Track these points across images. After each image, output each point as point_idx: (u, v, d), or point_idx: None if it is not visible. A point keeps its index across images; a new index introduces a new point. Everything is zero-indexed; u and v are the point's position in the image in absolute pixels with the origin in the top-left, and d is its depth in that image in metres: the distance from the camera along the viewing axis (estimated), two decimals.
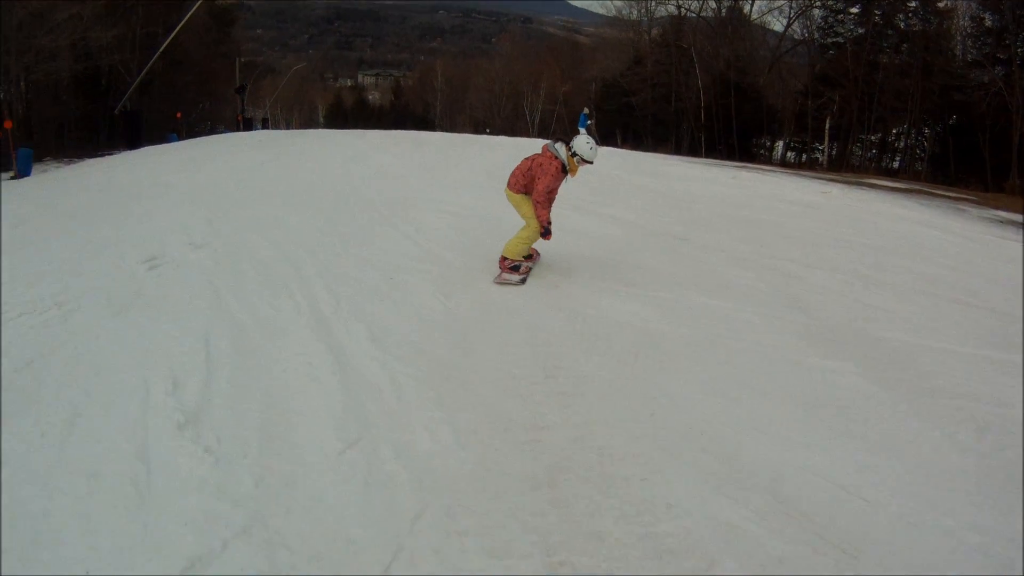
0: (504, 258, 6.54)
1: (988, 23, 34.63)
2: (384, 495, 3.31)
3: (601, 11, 52.22)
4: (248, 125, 43.26)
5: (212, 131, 46.01)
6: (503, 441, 3.81)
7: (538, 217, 6.35)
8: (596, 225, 9.23)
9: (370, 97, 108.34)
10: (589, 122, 26.66)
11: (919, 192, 18.98)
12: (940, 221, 12.74)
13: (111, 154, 22.74)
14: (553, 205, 6.59)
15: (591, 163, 6.33)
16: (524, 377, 4.54)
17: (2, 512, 3.09)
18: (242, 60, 49.84)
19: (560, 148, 6.28)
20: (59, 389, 4.13)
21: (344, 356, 4.67)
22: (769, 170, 22.39)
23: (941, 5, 37.64)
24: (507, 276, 6.48)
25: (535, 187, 6.29)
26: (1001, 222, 14.27)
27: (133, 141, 28.44)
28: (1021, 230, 12.63)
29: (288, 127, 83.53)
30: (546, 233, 6.39)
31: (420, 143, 20.45)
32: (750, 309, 6.04)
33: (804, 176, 20.22)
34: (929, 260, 8.83)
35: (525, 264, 6.63)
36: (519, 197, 6.47)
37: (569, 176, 6.39)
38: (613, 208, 10.70)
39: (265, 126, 57.13)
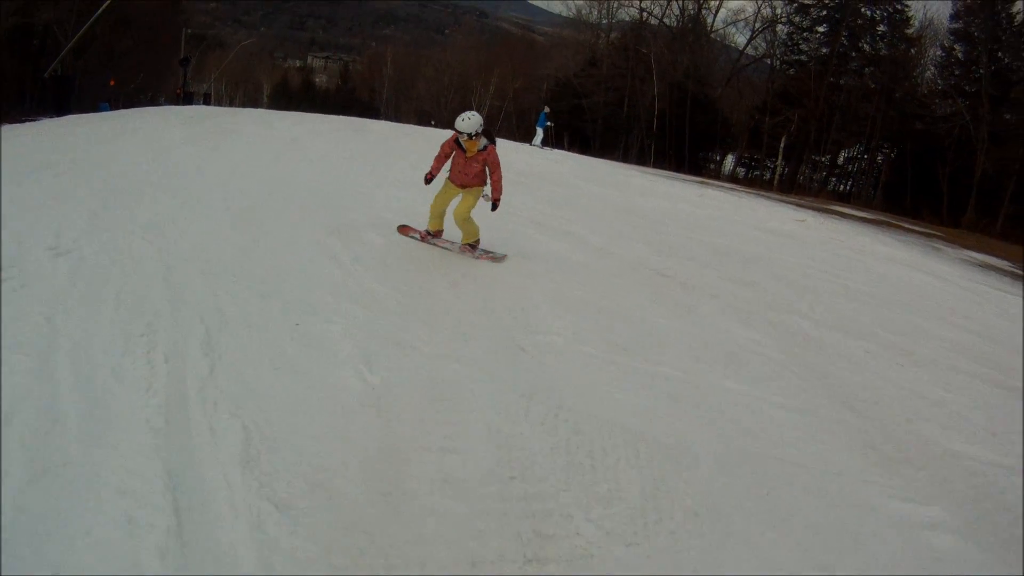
0: (466, 245, 6.97)
1: (959, 54, 34.18)
2: None
3: (561, 11, 50.55)
4: (188, 99, 41.11)
5: (152, 102, 43.74)
6: None
7: (497, 192, 6.88)
8: (563, 248, 7.72)
9: (318, 80, 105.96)
10: (548, 123, 25.04)
11: (888, 224, 18.10)
12: (926, 263, 11.94)
13: (31, 121, 20.35)
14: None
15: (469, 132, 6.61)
16: (494, 562, 2.82)
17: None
18: (189, 32, 47.23)
19: (480, 139, 6.73)
20: None
21: (190, 497, 2.85)
22: (732, 188, 21.22)
23: (910, 32, 37.24)
24: (414, 234, 7.19)
25: (495, 179, 6.83)
26: (980, 266, 13.55)
27: (60, 108, 25.98)
28: (1018, 281, 11.67)
29: (231, 104, 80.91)
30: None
31: (361, 131, 18.73)
32: (777, 396, 4.57)
33: (770, 198, 19.07)
34: (944, 320, 7.66)
35: (429, 236, 7.14)
36: (475, 189, 6.89)
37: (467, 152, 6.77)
38: (577, 225, 9.18)
39: (207, 102, 54.68)
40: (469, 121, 6.56)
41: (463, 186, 6.82)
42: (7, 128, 16.78)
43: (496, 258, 6.86)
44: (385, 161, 12.53)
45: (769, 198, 19.13)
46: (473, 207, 6.78)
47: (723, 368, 4.95)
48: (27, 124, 18.43)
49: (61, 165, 9.45)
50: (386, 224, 7.48)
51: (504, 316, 5.28)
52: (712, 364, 4.99)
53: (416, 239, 7.09)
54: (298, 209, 7.78)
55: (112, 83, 33.03)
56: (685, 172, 37.84)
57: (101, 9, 29.08)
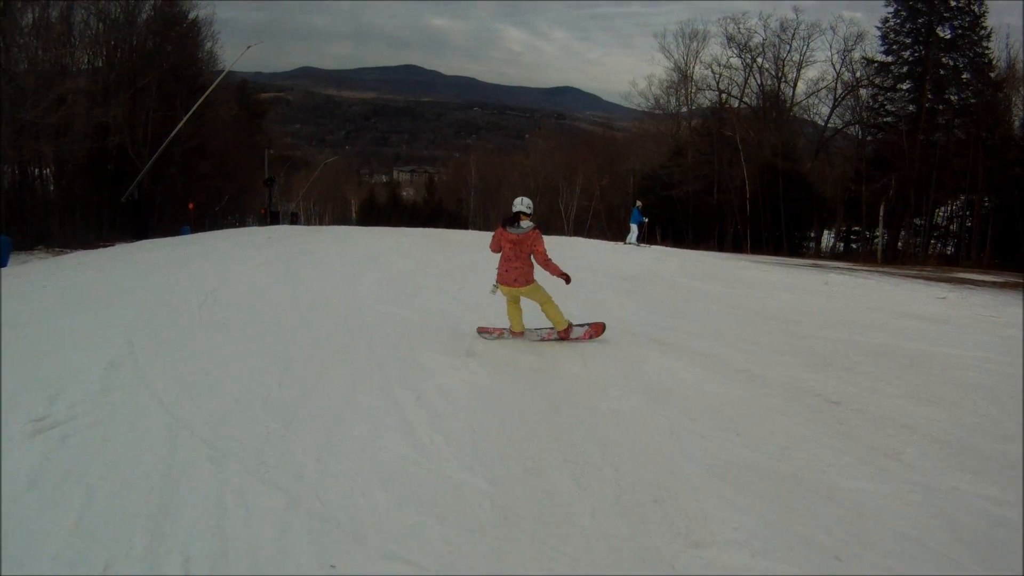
0: (561, 332, 7.22)
1: None
2: None
3: (640, 103, 50.23)
4: (275, 218, 42.12)
5: (240, 223, 44.98)
6: None
7: (555, 272, 7.12)
8: (699, 375, 6.20)
9: (404, 193, 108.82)
10: (644, 218, 24.06)
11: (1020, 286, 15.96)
12: None
13: (108, 246, 20.67)
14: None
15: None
16: None
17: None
18: (271, 152, 48.96)
19: (526, 223, 7.06)
20: None
21: None
22: (850, 269, 19.49)
23: (994, 75, 35.13)
24: (576, 332, 7.32)
25: (536, 253, 7.05)
26: None
27: (139, 232, 26.75)
28: None
29: (320, 221, 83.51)
30: (568, 279, 7.31)
31: (448, 243, 18.10)
32: None
33: (893, 275, 17.24)
34: None
35: (564, 330, 7.25)
36: (528, 288, 7.09)
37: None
38: (705, 339, 7.82)
39: (295, 220, 56.15)
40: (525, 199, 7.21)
41: (526, 282, 7.08)
42: (79, 255, 16.84)
43: (596, 329, 7.44)
44: (472, 277, 11.59)
45: (891, 274, 17.27)
46: (547, 297, 7.18)
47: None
48: (99, 250, 18.61)
49: (107, 298, 8.89)
50: (473, 357, 6.36)
51: (647, 511, 3.68)
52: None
53: (493, 338, 7.30)
54: (366, 350, 6.63)
55: (191, 207, 33.61)
56: (784, 254, 36.18)
57: (172, 133, 29.93)
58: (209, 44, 40.23)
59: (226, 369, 5.88)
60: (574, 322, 7.45)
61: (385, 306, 9.10)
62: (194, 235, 23.72)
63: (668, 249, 24.29)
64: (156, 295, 9.63)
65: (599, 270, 14.68)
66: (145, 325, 7.55)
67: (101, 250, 18.82)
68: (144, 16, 33.72)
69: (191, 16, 37.65)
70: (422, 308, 9.02)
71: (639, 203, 24.31)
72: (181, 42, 36.60)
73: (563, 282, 7.27)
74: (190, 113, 30.35)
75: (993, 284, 16.02)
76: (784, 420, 5.19)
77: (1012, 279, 18.18)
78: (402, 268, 12.99)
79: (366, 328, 7.60)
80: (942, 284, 14.58)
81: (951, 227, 39.12)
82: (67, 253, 19.36)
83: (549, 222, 51.71)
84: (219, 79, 35.04)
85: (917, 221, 37.02)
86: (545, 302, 7.14)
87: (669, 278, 13.93)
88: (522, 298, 7.26)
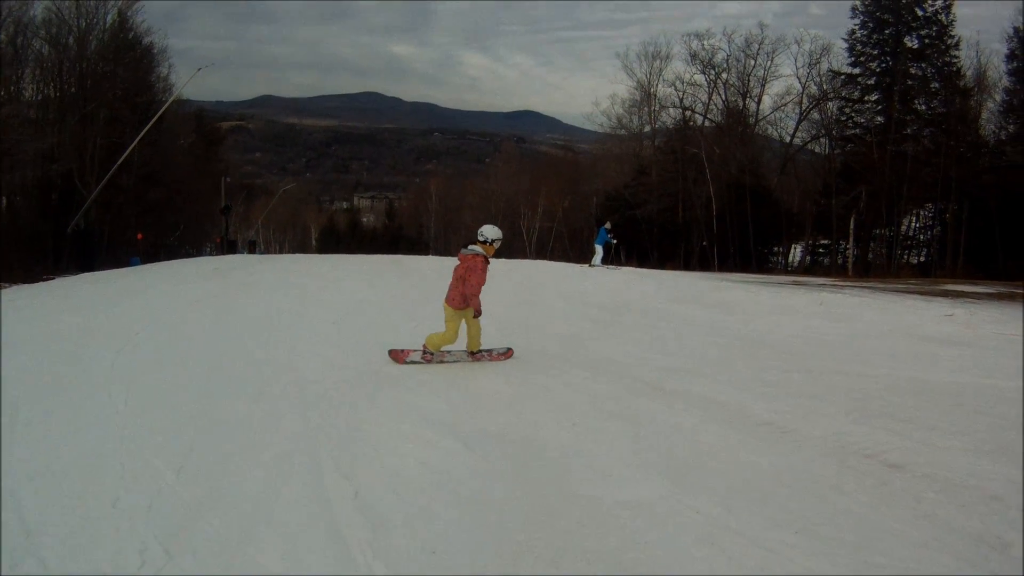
0: (424, 347, 7.26)
1: None
2: None
3: (603, 123, 49.49)
4: (232, 247, 40.73)
5: (197, 253, 43.82)
6: None
7: (473, 305, 7.12)
8: (712, 434, 4.94)
9: (364, 219, 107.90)
10: (613, 239, 23.09)
11: (1017, 297, 15.02)
12: None
13: (50, 279, 19.07)
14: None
15: (500, 238, 7.20)
16: None
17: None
18: (228, 180, 47.48)
19: (475, 247, 7.11)
20: None
21: None
22: (839, 286, 18.45)
23: (962, 84, 34.81)
24: (413, 355, 7.28)
25: (469, 283, 7.01)
26: None
27: (85, 264, 25.23)
28: None
29: (280, 249, 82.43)
30: (478, 314, 7.26)
31: (406, 272, 16.82)
32: None
33: (884, 290, 16.16)
34: None
35: (431, 355, 7.27)
36: (455, 312, 7.11)
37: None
38: (709, 382, 6.55)
39: (253, 249, 54.60)
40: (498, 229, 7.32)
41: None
42: (12, 290, 15.28)
43: (502, 354, 7.56)
44: (430, 312, 10.12)
45: (882, 290, 16.11)
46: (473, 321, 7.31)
47: None
48: (34, 285, 17.25)
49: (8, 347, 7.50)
50: (432, 422, 5.09)
51: None
52: None
53: (418, 362, 7.26)
54: (298, 417, 5.24)
55: (140, 237, 32.20)
56: (752, 270, 35.41)
57: (120, 160, 28.50)
58: (165, 70, 39.16)
59: (116, 451, 4.50)
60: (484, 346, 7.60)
61: (329, 351, 7.79)
62: (141, 267, 22.65)
63: (638, 270, 23.13)
64: (66, 342, 8.41)
65: (570, 298, 13.50)
66: (33, 385, 6.14)
67: (36, 285, 17.28)
68: (94, 43, 32.50)
69: (144, 42, 36.62)
70: (372, 352, 7.69)
71: (608, 224, 23.23)
72: (134, 68, 35.38)
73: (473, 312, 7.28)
74: (138, 139, 28.84)
75: (989, 296, 15.05)
76: (845, 501, 3.93)
77: (1003, 289, 17.30)
78: (353, 302, 11.70)
79: (303, 384, 6.23)
80: (939, 299, 13.54)
81: (921, 237, 38.73)
82: (4, 288, 17.67)
83: (512, 244, 50.63)
84: (168, 102, 33.62)
85: (888, 231, 36.47)
86: (448, 326, 7.19)
87: (648, 304, 12.77)
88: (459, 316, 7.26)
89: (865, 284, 19.16)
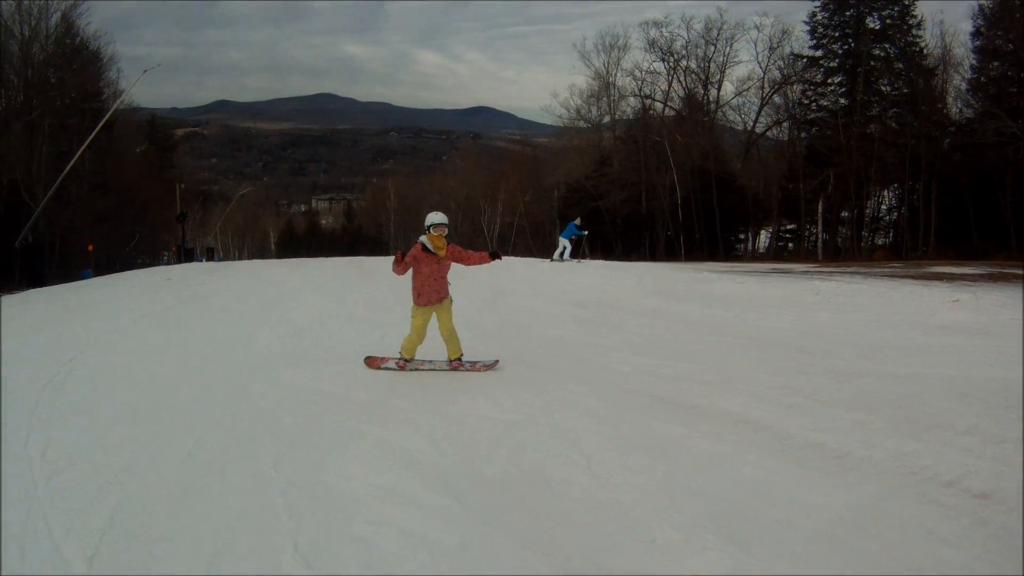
0: (400, 354, 6.93)
1: (993, 72, 31.35)
2: None
3: (562, 114, 48.73)
4: (189, 255, 39.42)
5: (156, 262, 42.64)
6: None
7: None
8: (751, 466, 4.06)
9: (323, 221, 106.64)
10: (584, 232, 22.40)
11: (1009, 276, 14.51)
12: None
13: None
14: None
15: (445, 223, 6.72)
16: None
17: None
18: (183, 187, 46.02)
19: (422, 237, 6.79)
20: None
21: None
22: (821, 271, 17.84)
23: (926, 64, 34.57)
24: (389, 363, 6.94)
25: (472, 259, 6.98)
26: None
27: (34, 279, 23.93)
28: None
29: (240, 254, 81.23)
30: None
31: (368, 275, 15.90)
32: None
33: (876, 275, 15.43)
34: None
35: (406, 363, 6.89)
36: (416, 308, 6.80)
37: (437, 253, 6.70)
38: (724, 391, 5.73)
39: (211, 256, 53.18)
40: (439, 214, 6.86)
41: (439, 301, 6.80)
42: None
43: (487, 365, 6.89)
44: (396, 320, 9.18)
45: (874, 275, 15.30)
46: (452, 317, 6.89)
47: None
48: None
49: None
50: (414, 469, 4.10)
51: None
52: None
53: (393, 368, 6.92)
54: (247, 466, 4.24)
55: (91, 248, 30.79)
56: (720, 258, 34.93)
57: (67, 169, 27.10)
58: (114, 74, 37.98)
59: (21, 529, 3.48)
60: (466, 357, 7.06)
61: (287, 373, 6.80)
62: (91, 280, 21.41)
63: (606, 263, 22.26)
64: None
65: (547, 296, 12.66)
66: None
67: None
68: (38, 49, 31.41)
69: (91, 47, 35.46)
70: (336, 372, 6.74)
71: (578, 220, 22.52)
72: (80, 74, 34.21)
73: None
74: (84, 145, 27.39)
75: (982, 277, 14.47)
76: (948, 553, 3.09)
77: (994, 269, 16.78)
78: (312, 314, 10.70)
79: (255, 419, 5.24)
80: (935, 283, 12.87)
81: (889, 218, 38.55)
82: None
83: (472, 241, 49.69)
84: (115, 106, 32.22)
85: (855, 214, 36.18)
86: (452, 318, 6.97)
87: (631, 301, 11.97)
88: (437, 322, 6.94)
89: (847, 269, 18.54)
